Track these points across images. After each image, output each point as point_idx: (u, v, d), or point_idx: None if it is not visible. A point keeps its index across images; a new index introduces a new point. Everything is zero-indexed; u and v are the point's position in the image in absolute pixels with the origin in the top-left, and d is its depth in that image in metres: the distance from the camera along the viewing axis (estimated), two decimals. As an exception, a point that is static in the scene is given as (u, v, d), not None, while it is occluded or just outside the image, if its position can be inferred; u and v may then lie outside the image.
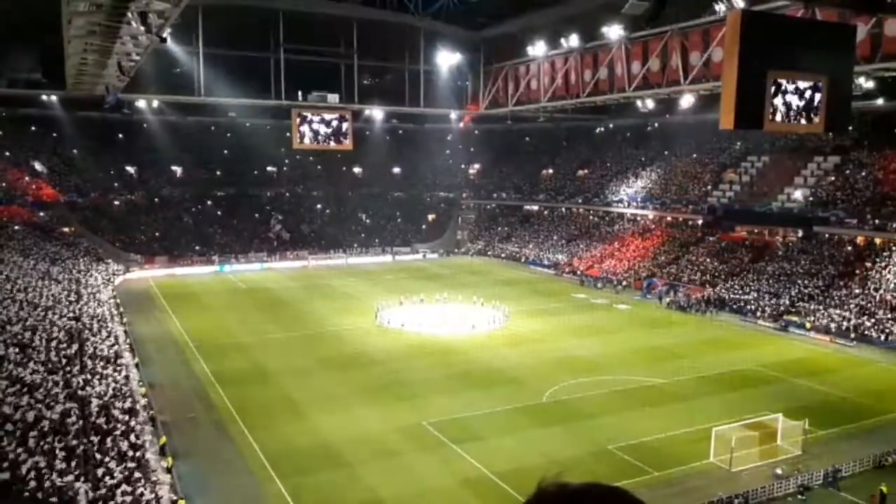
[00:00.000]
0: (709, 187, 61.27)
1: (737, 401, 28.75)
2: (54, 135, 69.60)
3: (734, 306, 46.64)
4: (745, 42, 12.93)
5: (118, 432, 22.31)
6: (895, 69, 35.02)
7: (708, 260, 54.27)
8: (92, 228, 64.54)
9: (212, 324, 42.55)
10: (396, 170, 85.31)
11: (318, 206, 79.16)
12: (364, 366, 33.81)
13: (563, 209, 74.65)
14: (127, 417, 23.79)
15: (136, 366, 31.47)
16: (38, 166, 67.34)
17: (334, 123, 60.10)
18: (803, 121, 13.97)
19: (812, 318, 41.97)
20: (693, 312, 46.81)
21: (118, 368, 29.20)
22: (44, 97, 60.72)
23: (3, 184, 61.40)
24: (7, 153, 66.06)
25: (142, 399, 26.78)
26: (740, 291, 47.98)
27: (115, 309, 42.35)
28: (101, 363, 29.31)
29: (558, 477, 1.92)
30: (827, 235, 49.34)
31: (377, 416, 27.13)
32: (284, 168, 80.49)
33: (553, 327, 42.07)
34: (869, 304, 41.37)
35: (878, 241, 46.73)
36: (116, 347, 32.68)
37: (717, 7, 41.34)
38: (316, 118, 59.30)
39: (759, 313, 44.59)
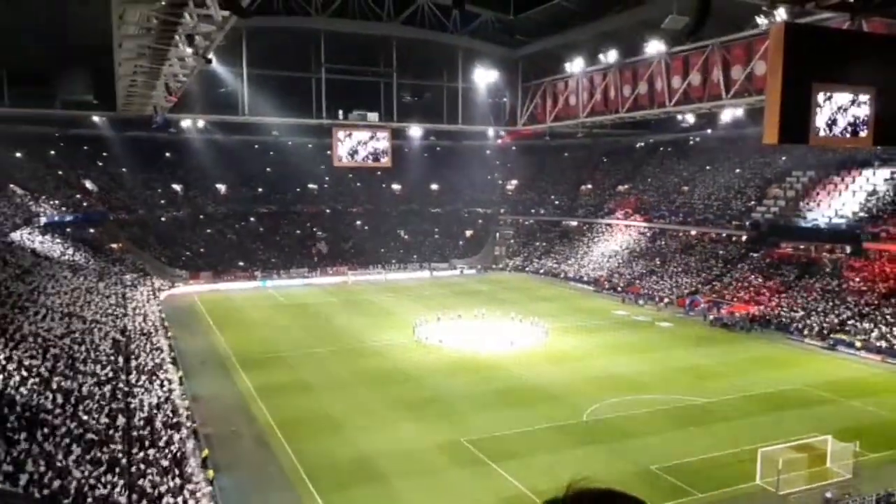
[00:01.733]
0: (753, 203, 60.10)
1: (784, 421, 27.95)
2: (104, 154, 71.85)
3: (780, 324, 45.50)
4: (788, 55, 12.68)
5: (161, 444, 22.75)
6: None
7: (752, 277, 53.11)
8: (139, 244, 66.28)
9: (253, 338, 43.16)
10: (434, 186, 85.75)
11: (358, 222, 79.97)
12: (402, 381, 33.86)
13: (603, 225, 73.96)
14: (170, 430, 24.24)
15: (180, 379, 32.04)
16: (88, 184, 69.55)
17: (373, 141, 60.86)
18: (850, 135, 13.62)
19: (863, 337, 40.66)
20: (737, 330, 45.78)
21: (162, 381, 29.82)
22: (95, 118, 62.83)
23: (56, 201, 63.50)
24: (60, 172, 68.41)
25: (185, 412, 27.24)
26: (786, 309, 46.80)
27: (159, 323, 43.30)
28: (146, 376, 29.98)
29: (583, 482, 1.97)
30: (877, 251, 47.86)
31: (415, 432, 27.11)
32: (325, 185, 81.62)
33: (593, 345, 41.57)
34: (923, 323, 39.96)
35: (932, 257, 45.19)
36: (161, 361, 33.39)
37: (759, 20, 40.84)
38: (356, 136, 60.16)
39: (806, 331, 43.39)
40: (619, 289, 59.82)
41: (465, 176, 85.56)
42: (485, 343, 40.89)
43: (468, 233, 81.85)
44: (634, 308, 53.64)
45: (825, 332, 42.60)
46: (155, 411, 25.60)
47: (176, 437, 23.84)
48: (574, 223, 77.60)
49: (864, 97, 13.38)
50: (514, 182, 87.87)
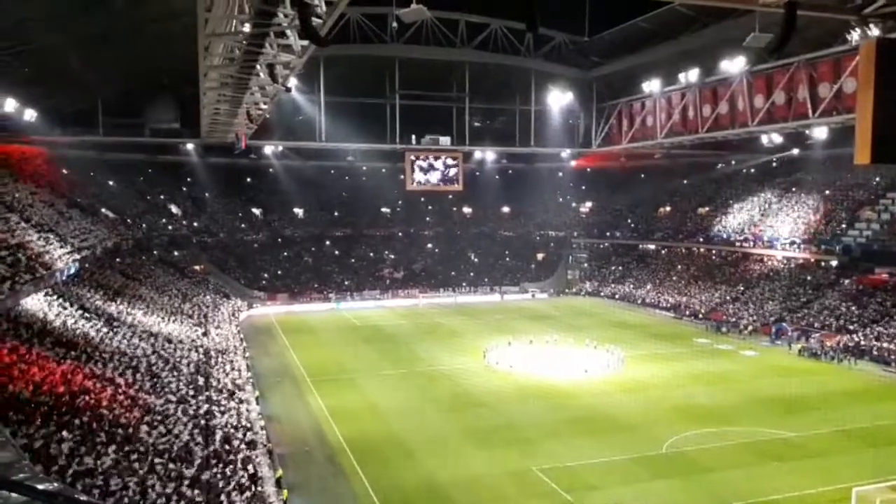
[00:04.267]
0: (843, 226, 57.04)
1: (881, 459, 26.00)
2: (188, 179, 75.16)
3: (875, 355, 42.75)
4: (881, 72, 12.09)
5: (239, 463, 23.17)
6: None
7: (844, 304, 50.25)
8: (220, 266, 68.68)
9: (327, 359, 43.78)
10: (506, 209, 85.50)
11: (429, 245, 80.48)
12: (472, 407, 33.48)
13: (683, 249, 71.73)
14: (247, 449, 24.68)
15: (257, 399, 32.70)
16: (173, 209, 72.79)
17: (445, 165, 61.50)
18: (950, 154, 12.69)
19: (970, 371, 37.72)
20: (827, 360, 43.29)
21: (240, 400, 30.50)
22: (180, 145, 65.92)
23: (144, 224, 66.66)
24: (148, 197, 71.93)
25: (261, 431, 27.71)
26: (883, 339, 43.97)
27: (238, 343, 44.49)
28: (225, 395, 30.73)
29: None
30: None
31: (486, 459, 26.66)
32: (398, 209, 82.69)
33: (673, 374, 40.06)
34: None
35: None
36: (239, 380, 34.21)
37: (848, 36, 39.10)
38: (428, 161, 60.97)
39: (905, 363, 40.62)
40: (700, 315, 57.72)
41: (537, 198, 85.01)
42: (557, 369, 40.09)
43: (540, 256, 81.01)
44: (716, 336, 51.56)
45: (927, 364, 39.77)
46: (233, 430, 26.15)
47: (252, 455, 24.26)
48: (652, 247, 75.57)
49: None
50: (588, 204, 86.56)
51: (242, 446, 24.76)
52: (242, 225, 75.35)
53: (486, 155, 74.66)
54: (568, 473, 25.01)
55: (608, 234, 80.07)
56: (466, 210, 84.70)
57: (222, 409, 28.56)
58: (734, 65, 48.03)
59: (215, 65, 27.07)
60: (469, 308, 65.38)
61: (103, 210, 60.18)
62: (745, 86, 47.56)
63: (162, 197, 73.33)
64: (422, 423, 31.12)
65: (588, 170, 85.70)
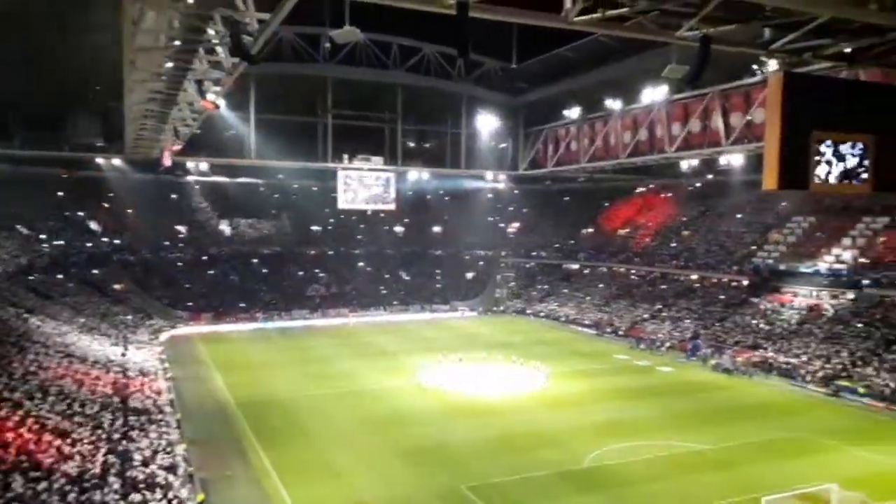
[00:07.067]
0: (753, 248, 60.29)
1: (788, 469, 27.58)
2: (110, 195, 72.48)
3: (782, 370, 45.17)
4: (787, 103, 12.95)
5: (158, 488, 22.47)
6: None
7: (754, 322, 52.94)
8: (142, 285, 66.34)
9: (252, 380, 42.85)
10: (436, 228, 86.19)
11: (360, 263, 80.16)
12: (401, 426, 33.52)
13: (604, 268, 74.04)
14: (167, 473, 23.97)
15: (178, 421, 31.77)
16: (93, 225, 69.97)
17: (377, 185, 61.82)
18: (850, 181, 13.75)
19: (866, 383, 40.31)
20: (739, 375, 45.46)
21: (160, 424, 29.57)
22: (102, 160, 63.61)
23: (63, 242, 63.81)
24: (66, 213, 68.93)
25: (181, 454, 26.95)
26: (788, 355, 46.52)
27: (159, 364, 43.11)
28: (144, 418, 29.75)
29: None
30: (879, 297, 47.83)
31: (414, 478, 26.75)
32: (329, 227, 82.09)
33: (594, 389, 41.25)
34: (927, 370, 39.61)
35: (934, 304, 45.08)
36: (159, 402, 33.17)
37: (757, 70, 41.72)
38: (360, 180, 61.13)
39: (808, 377, 43.06)
40: (621, 332, 59.59)
41: (466, 219, 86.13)
42: (486, 387, 40.61)
43: (469, 275, 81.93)
44: (635, 352, 53.33)
45: (828, 378, 42.26)
46: (152, 454, 25.34)
47: (171, 479, 23.57)
48: (575, 266, 77.67)
49: (863, 145, 13.57)
50: (516, 225, 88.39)
51: (161, 471, 24.03)
52: (166, 243, 73.08)
53: (418, 175, 75.38)
54: (495, 490, 25.38)
55: (534, 253, 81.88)
56: (398, 229, 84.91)
57: (140, 432, 27.64)
58: (654, 94, 50.39)
59: (142, 79, 26.57)
60: (400, 327, 65.31)
61: (17, 226, 57.38)
62: (664, 114, 49.92)
63: (81, 213, 70.38)
64: (349, 443, 30.90)
65: (516, 192, 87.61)
